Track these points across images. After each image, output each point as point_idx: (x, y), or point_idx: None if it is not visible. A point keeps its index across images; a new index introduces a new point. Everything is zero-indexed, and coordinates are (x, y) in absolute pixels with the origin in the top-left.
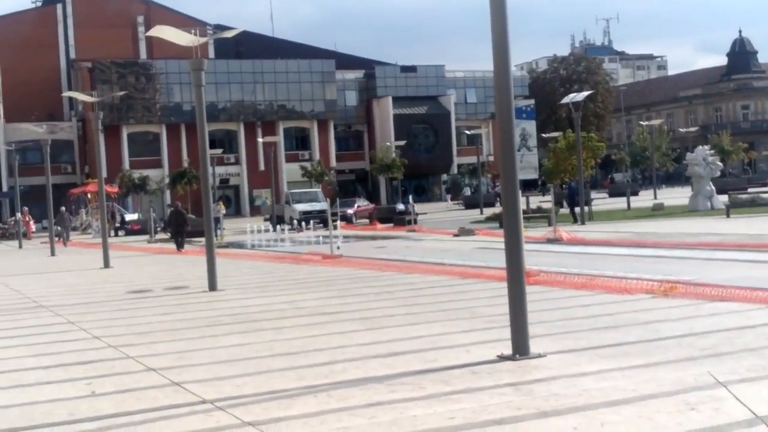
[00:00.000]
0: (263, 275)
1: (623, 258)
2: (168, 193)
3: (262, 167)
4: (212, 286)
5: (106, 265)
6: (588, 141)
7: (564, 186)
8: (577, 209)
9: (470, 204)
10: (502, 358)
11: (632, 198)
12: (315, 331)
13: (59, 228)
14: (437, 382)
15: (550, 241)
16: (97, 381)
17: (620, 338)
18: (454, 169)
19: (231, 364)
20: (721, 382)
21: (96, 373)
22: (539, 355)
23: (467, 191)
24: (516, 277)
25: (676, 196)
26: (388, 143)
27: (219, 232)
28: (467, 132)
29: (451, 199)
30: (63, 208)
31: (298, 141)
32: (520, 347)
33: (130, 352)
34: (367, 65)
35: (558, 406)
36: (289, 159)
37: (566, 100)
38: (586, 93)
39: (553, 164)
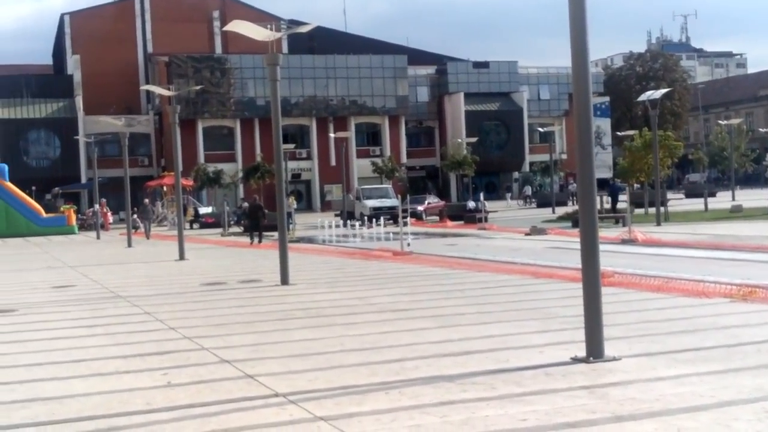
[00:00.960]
0: (334, 270)
1: (700, 261)
2: (241, 187)
3: (333, 162)
4: (284, 280)
5: (182, 257)
6: (665, 140)
7: (639, 186)
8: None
9: (542, 203)
10: (575, 360)
11: (709, 199)
12: (386, 327)
13: (141, 220)
14: (509, 382)
15: (624, 241)
16: (173, 372)
17: (698, 343)
18: (526, 167)
19: (303, 358)
20: None
21: (172, 364)
22: (614, 359)
23: (528, 190)
24: (591, 277)
25: (756, 198)
26: (460, 140)
27: (290, 226)
28: (540, 129)
29: (512, 198)
30: (147, 201)
31: (369, 137)
32: (595, 350)
33: (204, 343)
34: (439, 61)
35: (634, 410)
36: (360, 154)
37: (643, 97)
38: (663, 91)
39: (629, 163)
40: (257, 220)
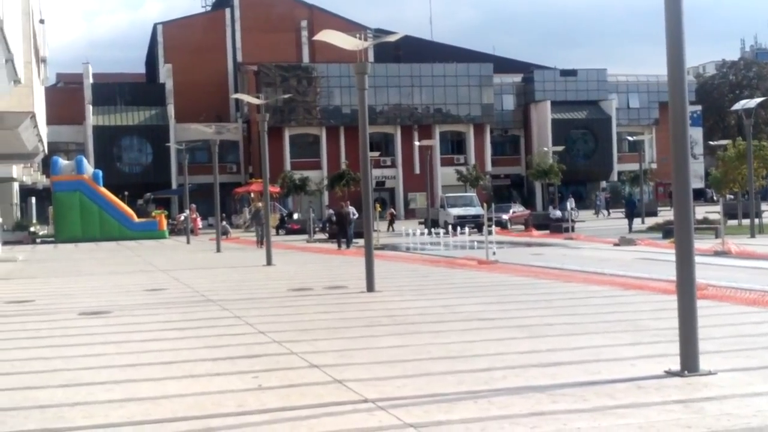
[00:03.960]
0: (419, 278)
1: None
2: (326, 194)
3: (417, 170)
4: (370, 287)
5: (269, 262)
6: (760, 150)
7: (732, 197)
8: (636, 220)
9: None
10: (669, 373)
11: None
12: (473, 336)
13: (256, 225)
14: (601, 395)
15: (717, 253)
16: (263, 375)
17: None
18: (614, 176)
19: (391, 365)
20: None
21: (262, 367)
22: (709, 373)
23: (600, 198)
24: (687, 289)
25: None
26: (546, 148)
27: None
28: (629, 138)
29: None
30: (260, 204)
31: (454, 145)
32: (690, 363)
33: (293, 348)
34: (526, 69)
35: (730, 426)
36: (445, 163)
37: (737, 106)
38: (758, 99)
39: (722, 173)
40: (344, 226)
